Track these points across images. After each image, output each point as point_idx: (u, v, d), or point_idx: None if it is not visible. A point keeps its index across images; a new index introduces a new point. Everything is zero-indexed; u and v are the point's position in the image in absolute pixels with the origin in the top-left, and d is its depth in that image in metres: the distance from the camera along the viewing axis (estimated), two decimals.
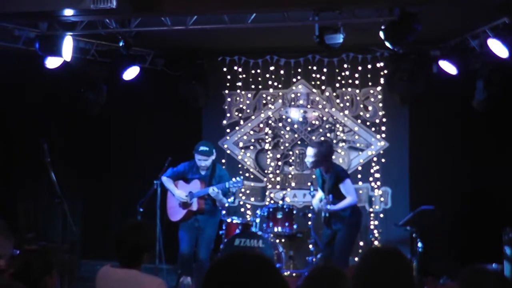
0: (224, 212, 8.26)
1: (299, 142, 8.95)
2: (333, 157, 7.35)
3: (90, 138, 9.01)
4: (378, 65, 8.68)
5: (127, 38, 7.15)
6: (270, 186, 8.99)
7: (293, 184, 8.93)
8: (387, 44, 6.40)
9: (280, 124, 9.00)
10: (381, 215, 8.63)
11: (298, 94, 8.95)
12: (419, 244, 7.22)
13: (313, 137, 8.85)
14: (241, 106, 9.09)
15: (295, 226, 7.95)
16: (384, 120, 8.71)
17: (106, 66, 8.31)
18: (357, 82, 8.75)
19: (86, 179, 9.01)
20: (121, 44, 7.18)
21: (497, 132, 8.03)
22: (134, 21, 6.94)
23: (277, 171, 8.98)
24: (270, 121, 9.01)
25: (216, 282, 1.92)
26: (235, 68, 9.04)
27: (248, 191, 9.01)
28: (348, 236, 6.94)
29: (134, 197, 7.07)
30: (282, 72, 8.95)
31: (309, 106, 8.95)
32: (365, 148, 8.76)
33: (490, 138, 8.08)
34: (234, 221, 7.89)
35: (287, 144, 8.98)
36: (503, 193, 7.89)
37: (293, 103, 8.97)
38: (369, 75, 8.71)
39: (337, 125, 8.82)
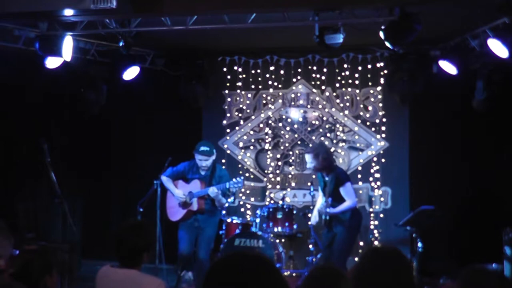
0: (224, 212, 8.25)
1: (299, 142, 8.95)
2: (333, 157, 7.35)
3: (90, 138, 9.01)
4: (378, 65, 8.68)
5: (127, 38, 7.15)
6: (270, 186, 8.99)
7: (293, 184, 8.93)
8: (387, 44, 6.40)
9: (280, 124, 9.00)
10: (381, 215, 8.63)
11: (298, 94, 8.95)
12: (419, 244, 7.22)
13: (313, 137, 8.85)
14: (241, 106, 9.09)
15: (295, 226, 7.95)
16: (384, 120, 8.72)
17: (106, 66, 8.31)
18: (357, 82, 8.75)
19: (86, 179, 9.02)
20: (121, 44, 7.18)
21: (497, 132, 8.03)
22: (134, 21, 6.94)
23: (277, 171, 8.98)
24: (270, 121, 9.01)
25: (216, 282, 1.92)
26: (235, 68, 9.04)
27: (248, 191, 9.01)
28: (347, 238, 6.93)
29: (134, 197, 7.07)
30: (282, 72, 8.95)
31: (309, 106, 8.95)
32: (365, 148, 8.76)
33: (490, 138, 8.09)
34: (234, 221, 7.89)
35: (287, 144, 8.99)
36: (503, 193, 7.90)
37: (293, 103, 8.98)
38: (369, 75, 8.72)
39: (337, 125, 8.82)
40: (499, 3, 6.05)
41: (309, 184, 7.98)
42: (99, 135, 9.10)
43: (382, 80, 8.70)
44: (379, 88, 8.73)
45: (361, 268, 2.70)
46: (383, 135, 8.70)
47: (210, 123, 9.14)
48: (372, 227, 8.60)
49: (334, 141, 8.75)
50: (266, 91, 9.03)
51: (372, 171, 8.68)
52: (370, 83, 8.73)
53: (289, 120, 8.99)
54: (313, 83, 8.89)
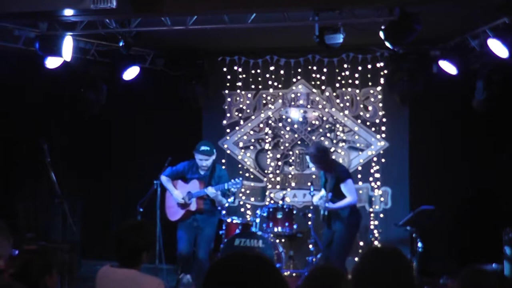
0: (224, 212, 8.25)
1: (299, 142, 8.95)
2: (333, 157, 7.35)
3: (90, 138, 9.01)
4: (378, 65, 8.68)
5: (127, 38, 7.15)
6: (270, 186, 8.99)
7: (293, 184, 8.93)
8: (387, 44, 6.41)
9: (280, 124, 9.00)
10: (381, 215, 8.63)
11: (298, 94, 8.95)
12: (419, 244, 7.22)
13: (313, 137, 8.85)
14: (241, 106, 9.09)
15: (295, 226, 7.95)
16: (384, 120, 8.72)
17: (106, 66, 8.31)
18: (357, 82, 8.75)
19: (86, 179, 9.02)
20: (121, 44, 7.18)
21: (497, 132, 8.03)
22: (134, 21, 6.94)
23: (277, 171, 8.98)
24: (270, 121, 9.01)
25: (216, 282, 1.92)
26: (235, 68, 9.04)
27: (248, 191, 9.01)
28: (346, 236, 6.93)
29: (134, 197, 7.07)
30: (282, 72, 8.95)
31: (309, 106, 8.95)
32: (365, 148, 8.76)
33: (490, 138, 8.09)
34: (234, 221, 7.89)
35: (287, 144, 8.99)
36: (503, 193, 7.90)
37: (293, 103, 8.98)
38: (369, 75, 8.72)
39: (337, 125, 8.82)
40: (499, 3, 6.05)
41: (309, 184, 7.98)
42: (99, 135, 9.10)
43: (382, 80, 8.70)
44: (379, 88, 8.73)
45: (361, 268, 2.70)
46: (383, 135, 8.70)
47: (210, 123, 9.14)
48: (372, 227, 8.60)
49: (334, 141, 8.75)
50: (266, 91, 9.03)
51: (372, 171, 8.68)
52: (370, 83, 8.73)
53: (289, 120, 8.99)
54: (313, 83, 8.89)
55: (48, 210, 8.23)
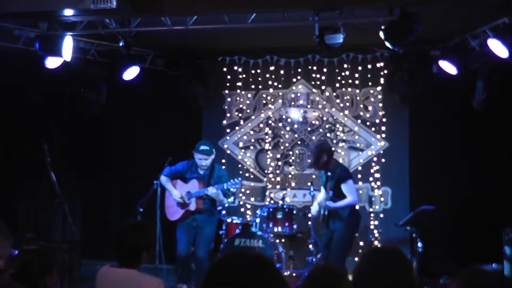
0: (224, 212, 8.25)
1: (299, 142, 8.95)
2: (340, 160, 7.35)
3: (90, 138, 9.01)
4: (378, 65, 8.68)
5: (127, 38, 7.15)
6: (270, 186, 8.99)
7: (293, 184, 8.93)
8: (387, 44, 6.41)
9: (280, 124, 9.00)
10: (381, 215, 8.63)
11: (298, 94, 8.95)
12: (419, 244, 7.23)
13: (313, 137, 8.85)
14: (241, 106, 9.09)
15: (295, 226, 7.95)
16: (384, 120, 8.71)
17: (106, 66, 8.31)
18: (357, 82, 8.75)
19: (86, 179, 9.01)
20: (121, 44, 7.18)
21: (497, 132, 8.03)
22: (134, 21, 6.94)
23: (277, 171, 8.98)
24: (270, 121, 9.01)
25: (216, 282, 1.92)
26: (235, 68, 9.04)
27: (248, 191, 9.01)
28: (346, 236, 6.93)
29: (134, 197, 7.07)
30: (282, 72, 8.95)
31: (309, 106, 8.95)
32: (365, 148, 8.76)
33: (490, 138, 8.08)
34: (234, 221, 7.89)
35: (287, 144, 8.98)
36: (503, 193, 7.90)
37: (293, 103, 8.97)
38: (369, 75, 8.72)
39: (337, 125, 8.82)
40: (499, 3, 6.05)
41: (309, 184, 7.98)
42: (99, 135, 9.10)
43: (382, 80, 8.70)
44: (379, 88, 8.73)
45: (361, 268, 2.70)
46: (383, 135, 8.70)
47: (210, 123, 9.14)
48: (372, 227, 8.60)
49: (334, 141, 8.75)
50: (266, 91, 9.03)
51: (372, 171, 8.68)
52: (370, 83, 8.73)
53: (289, 120, 8.98)
54: (313, 83, 8.89)
55: (48, 210, 8.23)
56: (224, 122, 9.10)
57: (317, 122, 8.91)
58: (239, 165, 9.03)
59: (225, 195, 7.13)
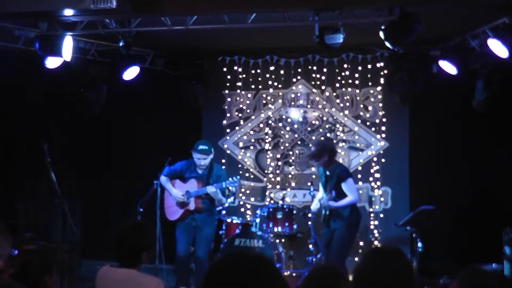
0: (224, 212, 8.26)
1: (299, 142, 8.95)
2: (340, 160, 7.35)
3: (90, 138, 9.01)
4: (378, 65, 8.68)
5: (127, 38, 7.15)
6: (270, 186, 8.99)
7: (293, 184, 8.93)
8: (387, 44, 6.41)
9: (280, 124, 9.00)
10: (381, 215, 8.63)
11: (298, 94, 8.95)
12: (419, 244, 7.23)
13: (313, 137, 8.85)
14: (241, 106, 9.09)
15: (295, 226, 7.95)
16: (384, 120, 8.71)
17: (106, 66, 8.31)
18: (357, 82, 8.75)
19: (86, 179, 9.01)
20: (121, 44, 7.18)
21: (497, 132, 8.03)
22: (134, 21, 6.94)
23: (277, 171, 8.98)
24: (270, 121, 9.01)
25: (216, 282, 1.92)
26: (235, 68, 9.04)
27: (248, 191, 9.01)
28: (346, 236, 6.93)
29: (134, 197, 7.07)
30: (282, 72, 8.95)
31: (309, 106, 8.95)
32: (365, 148, 8.76)
33: (490, 138, 8.08)
34: (234, 221, 7.89)
35: (287, 144, 8.98)
36: (503, 193, 7.90)
37: (293, 103, 8.98)
38: (369, 75, 8.72)
39: (337, 125, 8.82)
40: (499, 3, 6.05)
41: (309, 184, 7.97)
42: (99, 135, 9.10)
43: (382, 80, 8.70)
44: (379, 88, 8.73)
45: (362, 268, 2.70)
46: (383, 135, 8.70)
47: (210, 123, 9.14)
48: (372, 227, 8.60)
49: (334, 141, 8.74)
50: (266, 91, 9.03)
51: (372, 171, 8.68)
52: (370, 83, 8.73)
53: (289, 120, 8.98)
54: (313, 83, 8.89)
55: (48, 210, 8.23)
56: (224, 122, 9.10)
57: (317, 122, 8.91)
58: (239, 165, 9.03)
59: (223, 194, 7.13)
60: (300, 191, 8.88)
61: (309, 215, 7.49)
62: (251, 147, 9.05)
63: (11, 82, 7.85)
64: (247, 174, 9.01)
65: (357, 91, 8.78)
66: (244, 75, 9.02)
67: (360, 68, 8.73)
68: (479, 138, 8.14)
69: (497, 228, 7.00)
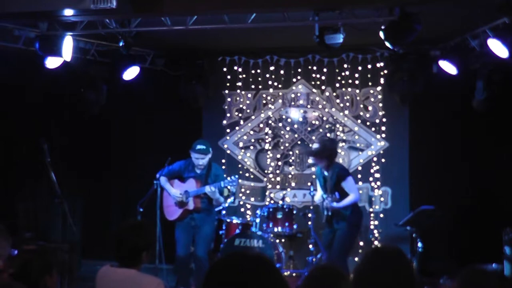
0: (224, 212, 8.26)
1: (299, 142, 8.95)
2: (340, 160, 7.36)
3: (90, 138, 9.01)
4: (378, 65, 8.68)
5: (127, 38, 7.15)
6: (270, 186, 8.99)
7: (293, 184, 8.93)
8: (387, 44, 6.40)
9: (280, 124, 9.00)
10: (381, 215, 8.63)
11: (298, 94, 8.95)
12: (419, 244, 7.23)
13: (313, 137, 8.85)
14: (241, 106, 9.09)
15: (295, 226, 7.95)
16: (384, 120, 8.71)
17: (106, 66, 8.31)
18: (357, 82, 8.75)
19: (86, 179, 9.01)
20: (121, 44, 7.18)
21: (497, 132, 8.03)
22: (134, 21, 6.94)
23: (277, 171, 8.98)
24: (270, 121, 9.01)
25: (216, 282, 1.92)
26: (235, 68, 9.04)
27: (248, 191, 9.01)
28: (348, 235, 6.93)
29: (134, 197, 7.07)
30: (282, 72, 8.95)
31: (309, 106, 8.95)
32: (365, 148, 8.76)
33: (490, 138, 8.08)
34: (234, 221, 7.89)
35: (287, 144, 8.98)
36: (503, 193, 7.90)
37: (293, 103, 8.98)
38: (369, 75, 8.72)
39: (337, 125, 8.82)
40: (499, 3, 6.05)
41: (309, 184, 7.98)
42: (99, 135, 9.10)
43: (382, 80, 8.70)
44: (379, 88, 8.73)
45: (362, 268, 2.70)
46: (383, 135, 8.70)
47: (210, 123, 9.14)
48: (372, 227, 8.60)
49: (335, 140, 8.74)
50: (266, 91, 9.03)
51: (372, 171, 8.68)
52: (370, 83, 8.73)
53: (289, 120, 8.98)
54: (313, 83, 8.89)
55: (48, 210, 8.23)
56: (224, 122, 9.10)
57: (317, 122, 8.91)
58: (239, 165, 9.03)
59: (221, 193, 7.15)
60: (300, 191, 8.88)
61: (309, 215, 7.48)
62: (251, 147, 9.05)
63: (11, 82, 7.85)
64: (247, 174, 9.01)
65: (357, 91, 8.78)
66: (244, 75, 9.02)
67: (360, 68, 8.73)
68: (479, 138, 8.14)
69: (497, 228, 7.00)
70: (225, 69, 9.05)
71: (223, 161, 8.89)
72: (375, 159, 8.70)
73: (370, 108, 8.74)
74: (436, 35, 7.69)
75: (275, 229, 7.86)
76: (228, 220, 7.91)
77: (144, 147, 9.03)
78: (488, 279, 2.65)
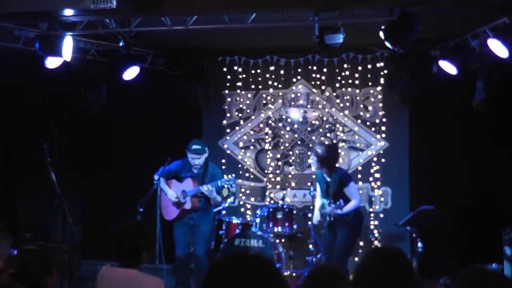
0: (224, 212, 8.27)
1: (299, 142, 8.95)
2: (340, 161, 7.35)
3: (90, 138, 9.01)
4: (378, 65, 8.68)
5: (127, 38, 7.15)
6: (270, 186, 8.99)
7: (293, 184, 8.93)
8: (387, 44, 6.40)
9: (280, 124, 9.00)
10: (381, 215, 8.63)
11: (298, 94, 8.95)
12: (419, 244, 7.22)
13: (313, 137, 8.85)
14: (241, 106, 9.09)
15: (295, 226, 7.95)
16: (384, 120, 8.71)
17: (106, 66, 8.31)
18: (357, 82, 8.75)
19: (86, 179, 9.01)
20: (121, 44, 7.18)
21: (497, 132, 8.03)
22: (134, 21, 6.94)
23: (277, 171, 8.98)
24: (270, 121, 9.01)
25: (216, 282, 1.92)
26: (235, 68, 9.04)
27: (248, 191, 9.01)
28: (349, 239, 6.91)
29: (134, 197, 7.07)
30: (282, 72, 8.95)
31: (309, 106, 8.95)
32: (365, 148, 8.76)
33: (490, 138, 8.08)
34: (234, 221, 7.89)
35: (287, 144, 8.98)
36: (503, 193, 7.90)
37: (293, 103, 8.97)
38: (369, 75, 8.72)
39: (337, 125, 8.82)
40: (499, 3, 6.05)
41: (309, 184, 7.98)
42: (99, 135, 9.10)
43: (382, 80, 8.70)
44: (379, 88, 8.73)
45: (362, 269, 2.70)
46: (383, 135, 8.70)
47: (210, 123, 9.14)
48: (372, 227, 8.60)
49: (334, 141, 8.75)
50: (266, 91, 9.03)
51: (372, 171, 8.68)
52: (370, 83, 8.73)
53: (289, 120, 8.98)
54: (313, 83, 8.89)
55: (48, 210, 8.23)
56: (224, 122, 9.10)
57: (317, 122, 8.91)
58: (239, 165, 9.03)
59: (218, 192, 7.15)
60: (300, 191, 8.88)
61: (309, 215, 7.48)
62: (251, 147, 9.05)
63: (11, 82, 7.85)
64: (247, 174, 9.01)
65: (357, 91, 8.78)
66: (244, 75, 9.02)
67: (360, 68, 8.73)
68: (479, 138, 8.14)
69: (497, 228, 7.00)
70: (225, 69, 9.05)
71: (223, 161, 8.89)
72: (375, 159, 8.70)
73: (370, 108, 8.74)
74: (436, 35, 7.68)
75: (275, 229, 7.86)
76: (228, 220, 7.91)
77: (144, 147, 9.03)
78: (488, 279, 2.64)
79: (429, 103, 8.38)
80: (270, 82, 8.98)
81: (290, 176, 8.95)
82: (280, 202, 8.41)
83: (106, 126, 9.12)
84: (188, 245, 7.25)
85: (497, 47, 6.56)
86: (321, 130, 8.89)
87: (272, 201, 8.80)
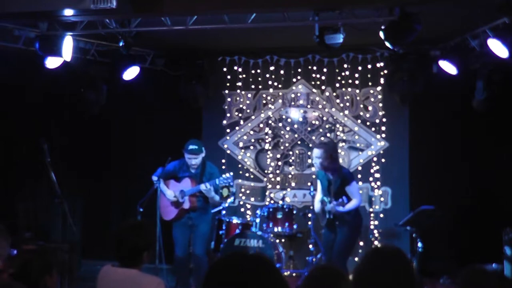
0: (224, 212, 8.26)
1: (299, 142, 8.95)
2: (340, 161, 7.35)
3: (90, 138, 9.01)
4: (378, 65, 8.68)
5: (127, 38, 7.15)
6: (270, 186, 8.99)
7: (293, 184, 8.93)
8: (387, 44, 6.40)
9: (280, 124, 9.00)
10: (381, 215, 8.63)
11: (298, 94, 8.95)
12: (419, 244, 7.22)
13: (313, 137, 8.85)
14: (241, 106, 9.09)
15: (295, 226, 7.95)
16: (384, 120, 8.71)
17: (106, 66, 8.31)
18: (357, 82, 8.75)
19: (86, 179, 9.02)
20: (121, 44, 7.18)
21: (497, 132, 8.03)
22: (134, 21, 6.94)
23: (277, 171, 8.98)
24: (270, 121, 9.01)
25: (216, 282, 1.92)
26: (235, 68, 9.04)
27: (248, 191, 9.01)
28: (349, 238, 6.90)
29: (134, 197, 7.07)
30: (282, 72, 8.95)
31: (309, 106, 8.95)
32: (365, 148, 8.76)
33: (490, 138, 8.09)
34: (234, 221, 7.89)
35: (287, 144, 8.98)
36: (503, 193, 7.90)
37: (293, 103, 8.98)
38: (369, 75, 8.72)
39: (337, 125, 8.82)
40: (499, 3, 6.05)
41: (309, 184, 7.97)
42: (99, 135, 9.10)
43: (382, 80, 8.70)
44: (379, 88, 8.73)
45: (362, 269, 2.70)
46: (383, 135, 8.70)
47: (210, 123, 9.14)
48: (372, 227, 8.60)
49: (334, 141, 8.75)
50: (266, 91, 9.03)
51: (372, 171, 8.68)
52: (370, 83, 8.73)
53: (289, 120, 8.98)
54: (313, 83, 8.89)
55: (48, 210, 8.23)
56: (224, 122, 9.10)
57: (317, 122, 8.91)
58: (239, 165, 9.03)
59: (216, 192, 7.16)
60: (300, 191, 8.88)
61: (309, 215, 7.48)
62: (251, 147, 9.05)
63: (11, 82, 7.86)
64: (247, 174, 9.01)
65: (357, 91, 8.78)
66: (244, 75, 9.02)
67: (360, 68, 8.73)
68: (479, 138, 8.14)
69: (497, 228, 7.00)
70: (225, 69, 9.05)
71: (223, 161, 8.89)
72: (375, 159, 8.70)
73: (370, 108, 8.74)
74: (436, 35, 7.69)
75: (275, 229, 7.86)
76: (228, 220, 7.91)
77: (144, 147, 9.03)
78: (488, 279, 2.65)
79: (429, 103, 8.38)
80: (270, 82, 8.98)
81: (290, 176, 8.95)
82: (280, 202, 8.41)
83: (106, 126, 9.12)
84: (187, 245, 7.26)
85: (497, 47, 6.56)
86: (321, 130, 8.89)
87: (272, 201, 8.80)
